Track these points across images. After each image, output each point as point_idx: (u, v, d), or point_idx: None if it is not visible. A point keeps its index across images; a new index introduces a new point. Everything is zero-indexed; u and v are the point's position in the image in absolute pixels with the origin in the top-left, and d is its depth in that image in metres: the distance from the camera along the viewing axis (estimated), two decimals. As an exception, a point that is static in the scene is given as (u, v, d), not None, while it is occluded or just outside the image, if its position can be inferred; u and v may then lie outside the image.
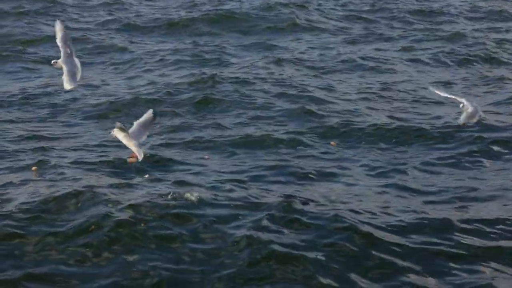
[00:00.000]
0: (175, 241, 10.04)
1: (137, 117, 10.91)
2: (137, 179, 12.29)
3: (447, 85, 18.41)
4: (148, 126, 10.64)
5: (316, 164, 13.34)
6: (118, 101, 17.23)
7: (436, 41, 22.90)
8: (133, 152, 10.46)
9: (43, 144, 14.35)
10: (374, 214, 11.03)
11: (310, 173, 12.81)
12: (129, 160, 10.88)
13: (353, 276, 9.31)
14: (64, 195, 11.11)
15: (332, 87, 18.40)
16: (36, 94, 17.85)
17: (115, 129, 10.45)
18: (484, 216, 11.03)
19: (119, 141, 10.51)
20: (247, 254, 9.63)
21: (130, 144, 10.39)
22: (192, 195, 11.16)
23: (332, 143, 14.55)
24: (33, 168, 12.81)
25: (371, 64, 20.56)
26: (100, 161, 13.22)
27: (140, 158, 10.42)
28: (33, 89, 18.26)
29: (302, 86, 18.16)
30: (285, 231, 10.27)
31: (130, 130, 10.44)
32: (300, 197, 11.38)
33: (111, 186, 11.73)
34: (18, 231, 10.18)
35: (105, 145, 14.22)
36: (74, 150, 14.06)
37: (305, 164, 13.27)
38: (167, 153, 13.85)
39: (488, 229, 10.61)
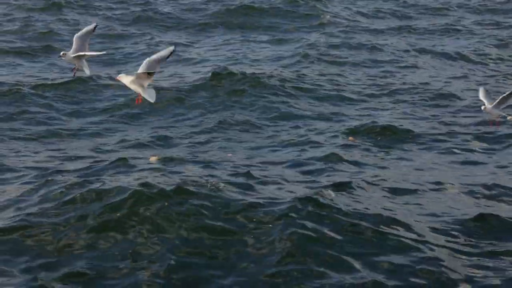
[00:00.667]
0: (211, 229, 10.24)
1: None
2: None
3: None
4: (161, 61, 10.27)
5: (343, 158, 13.47)
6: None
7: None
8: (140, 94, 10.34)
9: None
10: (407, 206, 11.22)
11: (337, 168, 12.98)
12: (136, 100, 10.78)
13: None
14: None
15: (360, 82, 18.57)
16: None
17: (121, 75, 10.54)
18: None
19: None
20: (278, 243, 9.79)
21: (137, 89, 10.32)
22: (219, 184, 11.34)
23: (350, 138, 14.71)
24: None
25: (398, 58, 20.72)
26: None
27: (152, 100, 10.44)
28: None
29: (329, 82, 18.41)
30: (313, 221, 10.39)
31: (141, 67, 10.17)
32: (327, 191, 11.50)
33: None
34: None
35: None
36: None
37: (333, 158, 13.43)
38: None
39: None
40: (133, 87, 10.38)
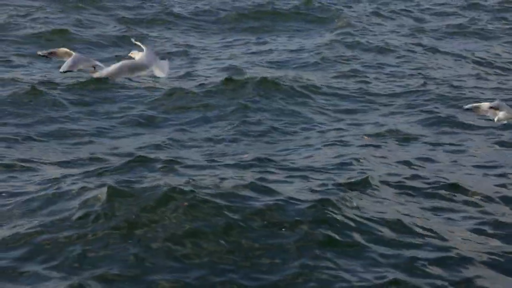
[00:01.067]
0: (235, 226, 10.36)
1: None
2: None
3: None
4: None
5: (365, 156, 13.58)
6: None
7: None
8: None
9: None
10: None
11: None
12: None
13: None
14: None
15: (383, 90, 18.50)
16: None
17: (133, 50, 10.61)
18: None
19: None
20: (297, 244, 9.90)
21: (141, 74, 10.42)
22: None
23: (365, 137, 14.77)
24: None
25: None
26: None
27: (165, 74, 10.43)
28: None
29: (345, 83, 18.43)
30: (330, 222, 10.50)
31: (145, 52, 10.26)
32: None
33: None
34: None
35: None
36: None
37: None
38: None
39: None
40: (144, 64, 10.33)
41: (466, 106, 13.48)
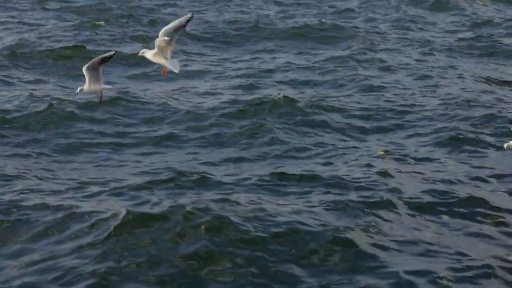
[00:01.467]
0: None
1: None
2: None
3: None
4: (179, 29, 10.40)
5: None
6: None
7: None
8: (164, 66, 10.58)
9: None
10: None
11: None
12: (162, 73, 10.96)
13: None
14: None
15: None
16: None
17: (143, 50, 10.73)
18: None
19: None
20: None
21: (161, 60, 10.52)
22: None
23: (380, 152, 14.87)
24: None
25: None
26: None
27: (176, 70, 10.59)
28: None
29: (360, 100, 18.58)
30: (346, 235, 10.69)
31: (154, 51, 10.39)
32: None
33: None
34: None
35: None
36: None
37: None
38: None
39: None
40: (157, 59, 10.59)
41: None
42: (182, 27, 10.47)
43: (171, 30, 10.34)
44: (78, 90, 10.87)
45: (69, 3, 30.95)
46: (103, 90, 10.93)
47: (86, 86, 10.67)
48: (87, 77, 10.60)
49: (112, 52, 10.73)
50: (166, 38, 10.28)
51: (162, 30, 10.33)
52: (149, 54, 10.62)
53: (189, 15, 10.59)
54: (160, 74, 20.67)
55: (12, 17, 28.30)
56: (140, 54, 10.73)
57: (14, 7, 30.10)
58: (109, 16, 28.12)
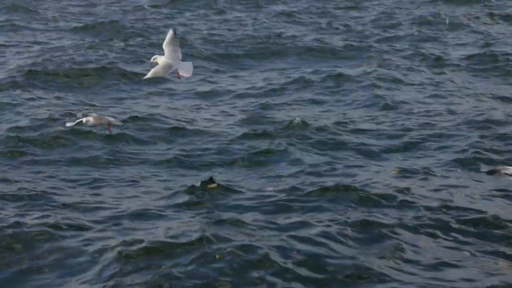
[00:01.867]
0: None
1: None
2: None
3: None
4: (176, 44, 10.73)
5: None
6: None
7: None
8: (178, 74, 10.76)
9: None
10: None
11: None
12: (178, 81, 11.18)
13: None
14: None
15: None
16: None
17: (154, 56, 10.84)
18: None
19: None
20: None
21: (173, 63, 10.70)
22: None
23: (394, 171, 14.88)
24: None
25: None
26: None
27: (189, 74, 10.72)
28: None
29: (375, 119, 18.62)
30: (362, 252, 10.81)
31: (166, 55, 10.63)
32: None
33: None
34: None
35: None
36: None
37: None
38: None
39: None
40: (169, 62, 10.73)
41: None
42: (176, 41, 10.74)
43: (172, 54, 10.75)
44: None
45: (83, 22, 31.24)
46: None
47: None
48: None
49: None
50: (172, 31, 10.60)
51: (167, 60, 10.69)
52: (160, 59, 10.75)
53: (170, 31, 10.92)
54: (172, 92, 21.10)
55: (27, 36, 28.61)
56: (152, 60, 10.85)
57: (29, 26, 30.42)
58: (123, 36, 28.37)
